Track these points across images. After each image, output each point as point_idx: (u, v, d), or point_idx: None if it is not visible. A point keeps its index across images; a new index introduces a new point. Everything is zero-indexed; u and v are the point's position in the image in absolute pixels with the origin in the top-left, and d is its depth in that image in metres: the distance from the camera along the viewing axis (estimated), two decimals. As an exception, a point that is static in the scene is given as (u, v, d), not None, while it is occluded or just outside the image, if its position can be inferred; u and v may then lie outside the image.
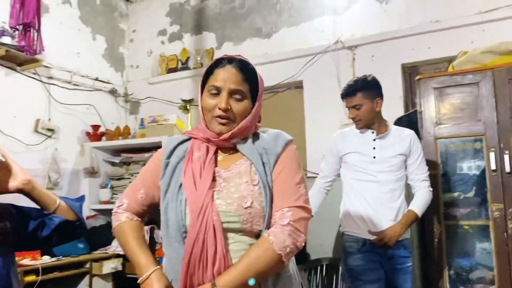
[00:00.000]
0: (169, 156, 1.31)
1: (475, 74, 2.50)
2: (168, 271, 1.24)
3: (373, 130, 2.33)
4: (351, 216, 2.27)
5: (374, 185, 2.23)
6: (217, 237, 1.17)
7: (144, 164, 3.48)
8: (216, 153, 1.30)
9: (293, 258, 1.32)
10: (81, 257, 3.12)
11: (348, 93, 2.33)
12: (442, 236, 2.49)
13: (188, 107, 3.82)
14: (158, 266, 1.23)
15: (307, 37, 3.53)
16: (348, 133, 2.40)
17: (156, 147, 3.50)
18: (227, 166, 1.28)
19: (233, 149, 1.30)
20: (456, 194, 2.53)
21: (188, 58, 3.97)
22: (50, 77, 3.53)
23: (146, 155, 3.57)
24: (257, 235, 1.20)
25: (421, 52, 3.13)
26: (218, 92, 1.25)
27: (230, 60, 1.27)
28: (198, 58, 3.89)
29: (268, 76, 3.48)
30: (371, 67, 3.26)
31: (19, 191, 1.32)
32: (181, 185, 1.24)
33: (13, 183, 1.31)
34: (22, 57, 3.15)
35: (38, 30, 2.94)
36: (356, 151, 2.30)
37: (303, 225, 1.20)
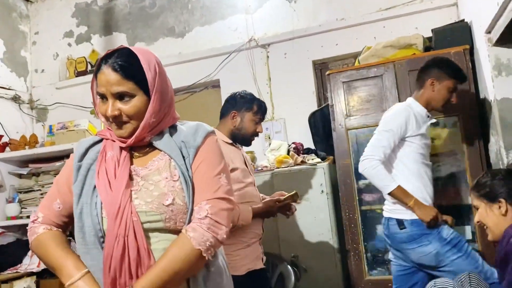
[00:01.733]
0: (81, 159, 1.23)
1: (379, 67, 2.67)
2: None
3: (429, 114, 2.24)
4: (425, 198, 2.12)
5: (429, 168, 2.20)
6: (138, 239, 1.11)
7: (55, 174, 3.31)
8: (130, 151, 1.23)
9: (222, 251, 1.30)
10: (-13, 280, 2.84)
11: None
12: (358, 221, 2.62)
13: (101, 111, 3.65)
14: (87, 270, 1.13)
15: (221, 36, 3.54)
16: (419, 114, 2.19)
17: (67, 155, 3.29)
18: (144, 163, 1.21)
19: (149, 145, 1.23)
20: (368, 181, 2.68)
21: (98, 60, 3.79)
22: None
23: (57, 164, 3.34)
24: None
25: (330, 49, 3.28)
26: (104, 98, 1.16)
27: (106, 60, 1.15)
28: (109, 60, 3.73)
29: (183, 76, 3.48)
30: (284, 64, 3.36)
31: None
32: (95, 187, 1.17)
33: None
34: None
35: None
36: (424, 133, 2.18)
37: (223, 216, 1.15)
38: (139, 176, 1.19)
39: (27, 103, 3.91)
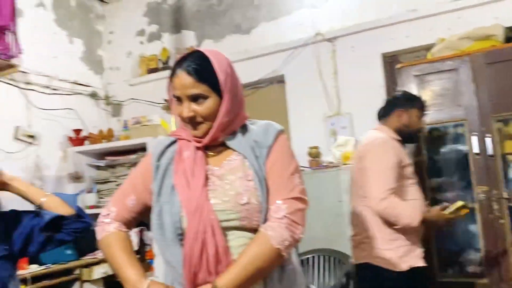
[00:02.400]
0: (159, 159, 1.28)
1: (454, 60, 2.54)
2: (170, 275, 1.22)
3: None
4: None
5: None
6: (216, 236, 1.15)
7: (129, 167, 3.50)
8: (205, 150, 1.27)
9: (295, 250, 1.32)
10: (70, 264, 3.07)
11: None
12: (430, 221, 2.53)
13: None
14: (149, 281, 1.17)
15: (287, 31, 3.53)
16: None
17: (140, 148, 3.47)
18: (218, 163, 1.25)
19: (223, 145, 1.27)
20: (441, 179, 2.58)
21: (168, 58, 3.94)
22: (28, 83, 3.47)
23: (131, 156, 3.53)
24: (257, 230, 1.18)
25: (400, 41, 3.17)
26: (179, 100, 1.21)
27: (180, 64, 1.20)
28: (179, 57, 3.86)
29: (249, 72, 3.52)
30: (351, 58, 3.30)
31: None
32: (173, 186, 1.21)
33: None
34: (-2, 63, 3.08)
35: (15, 33, 2.87)
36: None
37: (299, 216, 1.18)
38: (214, 176, 1.22)
39: (103, 99, 4.15)
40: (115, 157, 3.64)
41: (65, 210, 1.35)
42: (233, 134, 1.26)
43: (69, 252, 3.16)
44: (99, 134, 3.71)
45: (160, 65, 3.95)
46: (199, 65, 1.19)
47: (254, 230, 1.18)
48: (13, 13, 2.84)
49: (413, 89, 2.62)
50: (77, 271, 3.07)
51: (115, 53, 4.24)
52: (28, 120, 3.42)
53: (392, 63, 3.25)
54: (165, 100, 3.80)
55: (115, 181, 3.58)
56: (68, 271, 3.04)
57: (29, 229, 1.34)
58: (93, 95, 4.03)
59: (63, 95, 3.75)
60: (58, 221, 1.33)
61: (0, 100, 3.24)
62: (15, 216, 1.36)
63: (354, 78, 3.28)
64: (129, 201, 1.29)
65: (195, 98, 1.19)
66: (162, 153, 1.29)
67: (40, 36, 3.57)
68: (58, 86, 3.71)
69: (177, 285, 1.19)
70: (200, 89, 1.18)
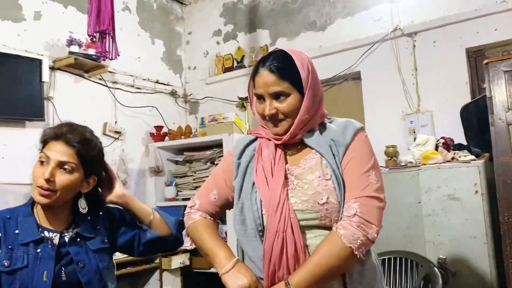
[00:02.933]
0: (239, 157, 1.32)
1: (551, 53, 2.34)
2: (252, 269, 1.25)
3: None
4: None
5: None
6: (296, 235, 1.16)
7: (206, 162, 3.62)
8: (284, 149, 1.29)
9: (374, 249, 1.30)
10: (151, 253, 3.26)
11: None
12: (519, 227, 2.36)
13: (244, 105, 3.87)
14: (236, 259, 1.23)
15: (364, 27, 3.46)
16: None
17: (216, 144, 3.58)
18: (296, 162, 1.27)
19: (301, 143, 1.28)
20: (533, 182, 2.39)
21: (243, 57, 4.02)
22: (115, 82, 3.72)
23: (207, 152, 3.66)
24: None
25: (487, 35, 2.97)
26: (261, 98, 1.25)
27: (263, 62, 1.24)
28: (253, 56, 3.93)
29: (323, 69, 3.49)
30: (433, 53, 3.15)
31: (114, 203, 1.44)
32: (254, 184, 1.25)
33: (109, 197, 1.44)
34: (89, 64, 3.33)
35: (113, 37, 3.08)
36: None
37: (373, 215, 1.15)
38: (293, 175, 1.24)
39: (182, 97, 4.34)
40: (193, 152, 3.79)
41: (165, 230, 1.48)
42: (311, 131, 1.27)
43: (150, 241, 3.35)
44: (178, 130, 3.88)
45: (235, 64, 4.05)
46: (282, 63, 1.22)
47: None
48: (112, 19, 3.04)
49: (503, 86, 2.45)
50: (157, 261, 3.25)
51: (193, 53, 4.41)
52: (115, 117, 3.67)
53: (477, 58, 3.07)
54: (240, 99, 3.89)
55: (192, 176, 3.73)
56: (149, 260, 3.23)
57: (132, 235, 1.47)
58: (173, 94, 4.23)
59: (146, 94, 3.97)
60: (157, 240, 1.46)
61: (91, 98, 3.50)
62: (120, 215, 1.50)
63: (435, 75, 3.13)
64: (212, 195, 1.35)
65: (277, 96, 1.22)
66: (243, 151, 1.33)
67: (125, 38, 3.80)
68: (141, 85, 3.94)
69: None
70: (282, 86, 1.21)
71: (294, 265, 1.17)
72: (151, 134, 3.88)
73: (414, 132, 3.15)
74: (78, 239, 1.36)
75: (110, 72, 3.61)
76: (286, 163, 1.27)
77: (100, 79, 3.58)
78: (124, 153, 3.67)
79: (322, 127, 1.28)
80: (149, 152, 3.82)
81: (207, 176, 3.54)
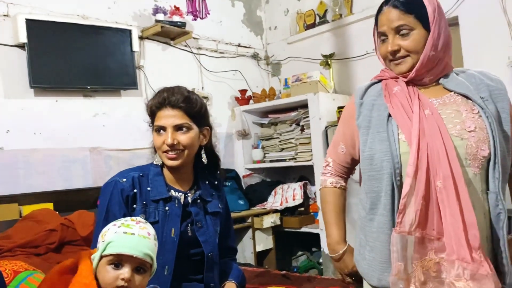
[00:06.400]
0: (362, 97, 1.28)
1: None
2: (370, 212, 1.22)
3: None
4: None
5: None
6: (453, 166, 1.09)
7: (291, 124, 3.59)
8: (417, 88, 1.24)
9: None
10: (243, 213, 3.36)
11: None
12: None
13: (329, 62, 3.73)
14: (347, 246, 1.33)
15: (461, -34, 3.11)
16: None
17: (301, 105, 3.52)
18: (437, 95, 1.21)
19: (434, 87, 1.23)
20: None
21: (326, 11, 3.85)
22: (199, 48, 3.77)
23: (292, 114, 3.62)
24: (480, 166, 1.12)
25: None
26: (384, 38, 1.22)
27: (387, 1, 1.21)
28: (337, 9, 3.74)
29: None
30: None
31: None
32: (389, 116, 1.19)
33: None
34: (175, 31, 3.40)
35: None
36: None
37: None
38: (433, 108, 1.17)
39: (264, 60, 4.30)
40: (277, 114, 3.77)
41: None
42: (446, 76, 1.22)
43: (241, 202, 3.45)
44: (262, 93, 3.87)
45: (317, 20, 3.89)
46: None
47: (478, 167, 1.13)
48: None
49: None
50: (249, 220, 3.34)
51: (273, 12, 4.31)
52: (202, 83, 3.74)
53: None
54: (324, 56, 3.76)
55: (278, 138, 3.73)
56: (242, 219, 3.33)
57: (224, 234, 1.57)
58: (255, 56, 4.20)
59: (229, 58, 3.99)
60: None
61: (178, 65, 3.59)
62: (226, 214, 1.60)
63: (549, 13, 2.75)
64: (340, 149, 1.35)
65: (400, 31, 1.18)
66: (364, 93, 1.29)
67: (207, 2, 3.81)
68: (224, 49, 3.95)
69: (382, 226, 1.17)
70: (406, 20, 1.17)
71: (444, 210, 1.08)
72: (236, 98, 3.92)
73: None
74: (199, 201, 1.46)
75: (194, 38, 3.67)
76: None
77: (185, 45, 3.65)
78: (212, 117, 3.72)
79: (459, 72, 1.24)
80: (235, 115, 3.87)
81: (293, 138, 3.58)
